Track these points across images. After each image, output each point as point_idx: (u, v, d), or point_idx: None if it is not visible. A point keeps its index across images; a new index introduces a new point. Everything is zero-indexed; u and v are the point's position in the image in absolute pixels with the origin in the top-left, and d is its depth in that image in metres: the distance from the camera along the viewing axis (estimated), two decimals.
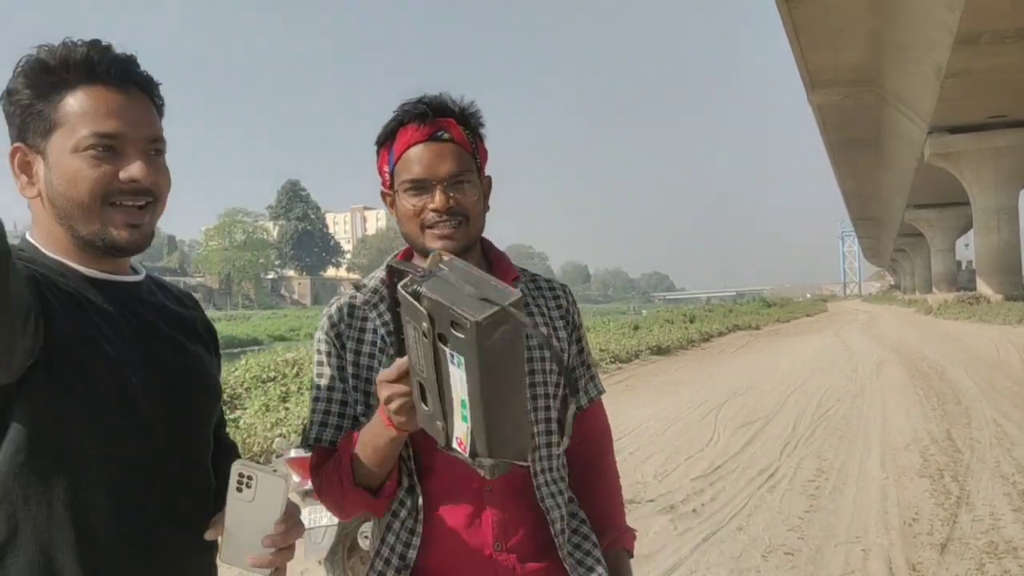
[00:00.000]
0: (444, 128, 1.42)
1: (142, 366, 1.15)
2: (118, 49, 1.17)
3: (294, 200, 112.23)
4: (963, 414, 9.05)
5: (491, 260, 1.57)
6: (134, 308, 1.20)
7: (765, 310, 48.27)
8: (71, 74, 1.12)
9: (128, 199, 1.13)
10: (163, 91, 1.23)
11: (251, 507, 1.15)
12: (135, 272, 1.25)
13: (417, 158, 1.41)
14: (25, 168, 1.15)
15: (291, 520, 1.17)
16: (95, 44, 1.14)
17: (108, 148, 1.12)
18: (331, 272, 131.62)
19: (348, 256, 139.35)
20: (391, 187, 1.47)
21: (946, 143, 33.71)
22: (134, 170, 1.13)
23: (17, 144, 1.14)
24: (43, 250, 1.15)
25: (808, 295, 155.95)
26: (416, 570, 1.43)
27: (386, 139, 1.46)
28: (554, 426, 1.52)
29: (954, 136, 33.47)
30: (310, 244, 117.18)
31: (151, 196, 1.16)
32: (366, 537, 3.46)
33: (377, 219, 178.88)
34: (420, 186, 1.41)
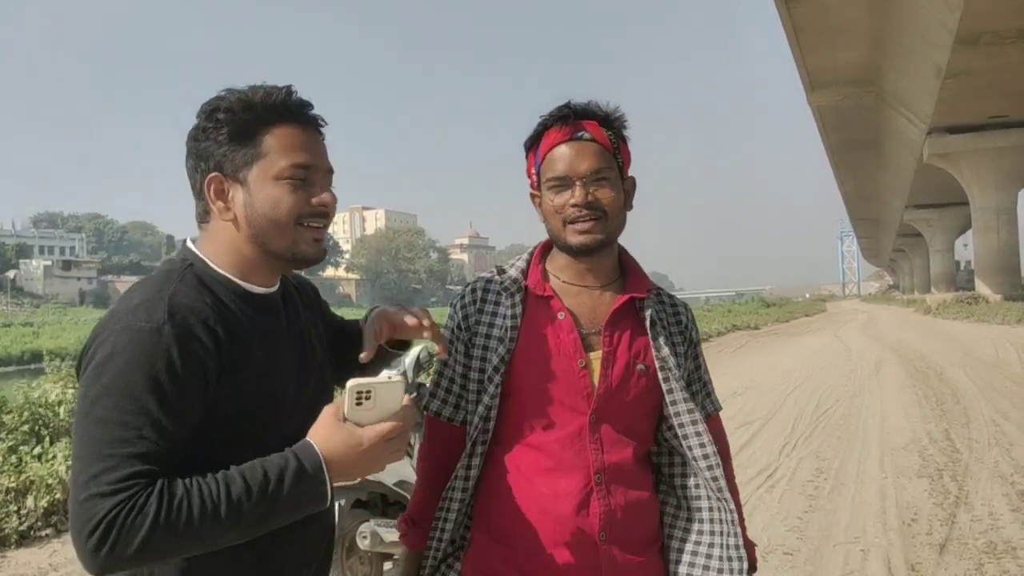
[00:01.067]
0: (584, 128, 1.51)
1: (287, 370, 1.35)
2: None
3: None
4: (962, 414, 9.05)
5: (625, 268, 1.63)
6: (279, 318, 1.40)
7: (764, 310, 48.31)
8: (270, 114, 1.29)
9: (316, 221, 1.33)
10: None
11: (371, 414, 1.22)
12: (277, 283, 1.42)
13: (560, 156, 1.51)
14: (220, 195, 1.30)
15: (409, 418, 1.26)
16: (287, 90, 1.31)
17: (301, 178, 1.30)
18: (329, 271, 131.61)
19: (347, 255, 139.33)
20: (538, 188, 1.57)
21: (945, 143, 33.74)
22: (325, 197, 1.33)
23: (214, 174, 1.30)
24: (212, 265, 1.31)
25: (807, 295, 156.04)
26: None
27: (532, 143, 1.57)
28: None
29: (953, 136, 33.49)
30: None
31: (328, 219, 1.36)
32: (365, 537, 3.46)
33: (376, 219, 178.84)
34: (562, 183, 1.50)
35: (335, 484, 1.22)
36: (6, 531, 5.20)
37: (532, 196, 1.60)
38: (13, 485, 5.49)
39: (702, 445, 1.55)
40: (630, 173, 1.59)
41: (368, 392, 1.21)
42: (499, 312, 1.56)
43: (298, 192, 1.29)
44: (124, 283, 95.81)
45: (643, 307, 1.57)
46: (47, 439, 6.96)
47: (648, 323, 1.55)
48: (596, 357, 1.52)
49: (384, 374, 1.29)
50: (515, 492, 1.52)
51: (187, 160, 1.32)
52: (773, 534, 4.89)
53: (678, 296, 1.72)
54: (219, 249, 1.32)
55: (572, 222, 1.50)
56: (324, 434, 1.22)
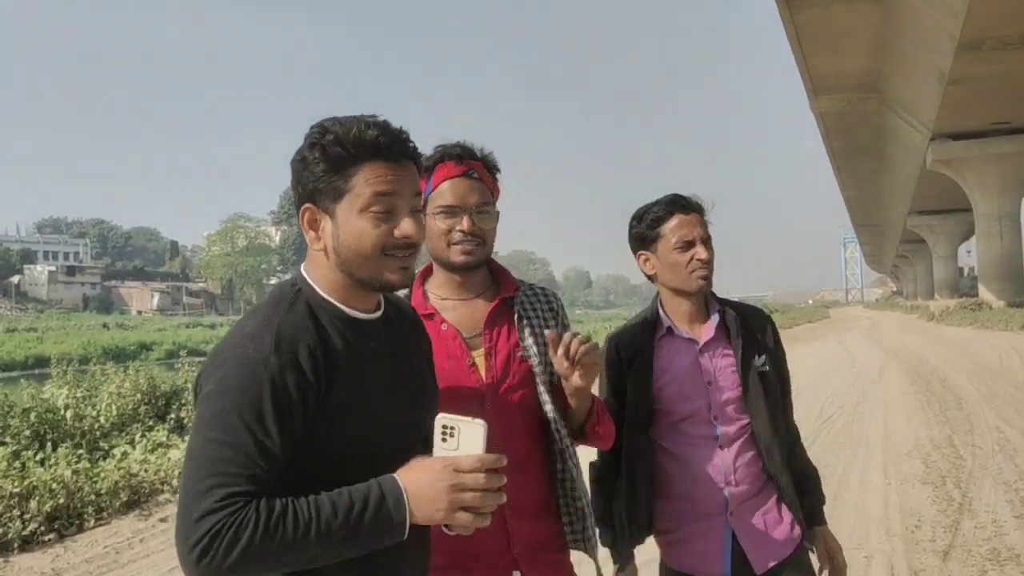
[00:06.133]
0: (474, 168, 1.82)
1: (392, 394, 1.42)
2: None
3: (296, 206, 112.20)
4: (965, 420, 9.03)
5: (496, 275, 1.93)
6: (382, 343, 1.46)
7: None
8: (361, 152, 1.36)
9: (400, 251, 1.40)
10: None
11: (456, 455, 1.28)
12: (379, 307, 1.50)
13: (452, 189, 1.80)
14: (313, 225, 1.40)
15: (493, 464, 1.30)
16: (381, 127, 1.38)
17: (386, 209, 1.37)
18: None
19: None
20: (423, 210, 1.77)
21: (948, 149, 33.68)
22: (406, 228, 1.39)
23: (307, 205, 1.39)
24: (318, 290, 1.41)
25: (810, 301, 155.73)
26: None
27: (425, 171, 1.75)
28: None
29: (956, 142, 33.43)
30: None
31: (415, 248, 1.43)
32: None
33: None
34: (451, 211, 1.79)
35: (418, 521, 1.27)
36: (9, 536, 5.21)
37: None
38: (17, 489, 5.51)
39: (551, 410, 1.84)
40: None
41: (452, 429, 1.29)
42: None
43: (382, 226, 1.37)
44: (128, 289, 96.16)
45: (513, 304, 1.89)
46: (50, 444, 6.99)
47: (516, 317, 1.87)
48: (480, 355, 1.81)
49: (469, 417, 1.34)
50: None
51: (291, 182, 1.43)
52: None
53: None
54: (320, 274, 1.43)
55: (457, 243, 1.79)
56: (409, 467, 1.31)
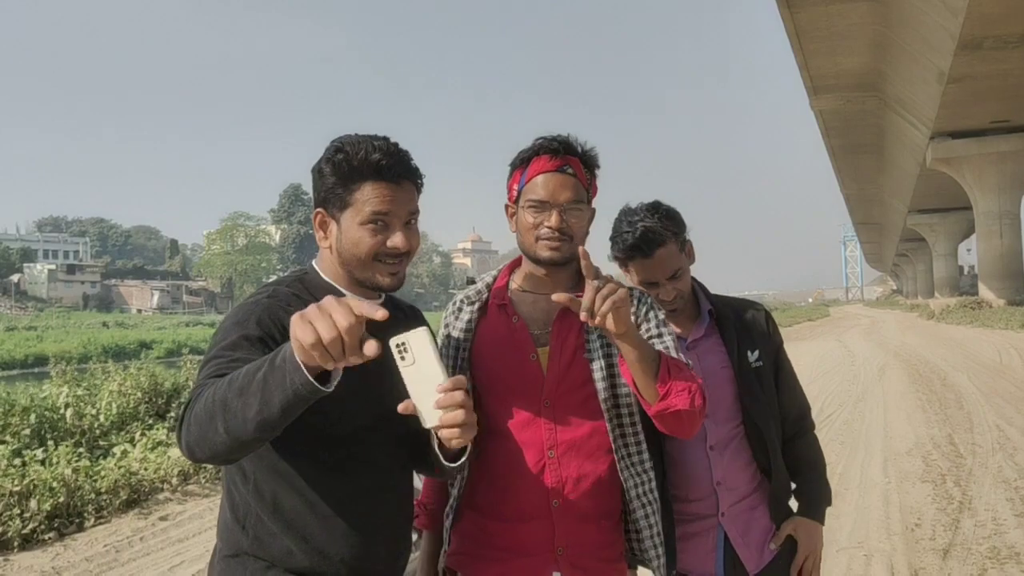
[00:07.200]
0: (570, 164, 1.79)
1: (362, 374, 1.47)
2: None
3: (296, 204, 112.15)
4: (965, 419, 9.04)
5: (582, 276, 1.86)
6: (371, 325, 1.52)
7: None
8: (365, 171, 1.56)
9: (391, 259, 1.61)
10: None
11: (417, 369, 1.35)
12: (379, 298, 1.70)
13: (544, 183, 1.78)
14: (323, 226, 1.64)
15: (455, 380, 1.38)
16: (385, 150, 1.58)
17: (381, 224, 1.58)
18: None
19: None
20: (515, 202, 1.84)
21: (948, 148, 33.69)
22: (397, 240, 1.60)
23: (319, 209, 1.64)
24: (323, 275, 1.67)
25: (810, 300, 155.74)
26: None
27: (521, 163, 1.82)
28: None
29: (956, 141, 33.45)
30: (312, 248, 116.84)
31: (406, 255, 1.63)
32: None
33: None
34: (541, 206, 1.78)
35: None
36: (9, 534, 5.21)
37: (507, 207, 1.87)
38: (17, 488, 5.50)
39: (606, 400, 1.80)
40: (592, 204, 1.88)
41: (403, 344, 1.34)
42: (461, 319, 1.89)
43: (377, 236, 1.58)
44: (128, 287, 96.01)
45: None
46: (51, 442, 6.98)
47: None
48: (545, 352, 1.81)
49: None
50: (487, 470, 1.80)
51: (312, 187, 1.66)
52: None
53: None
54: (326, 266, 1.68)
55: (544, 239, 1.78)
56: None
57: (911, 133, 34.96)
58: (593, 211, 1.86)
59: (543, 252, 1.79)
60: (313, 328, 1.19)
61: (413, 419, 1.48)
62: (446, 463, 1.60)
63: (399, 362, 1.35)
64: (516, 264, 1.94)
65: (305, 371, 1.22)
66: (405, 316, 1.80)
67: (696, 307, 2.20)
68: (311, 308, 1.22)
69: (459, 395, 1.35)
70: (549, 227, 1.76)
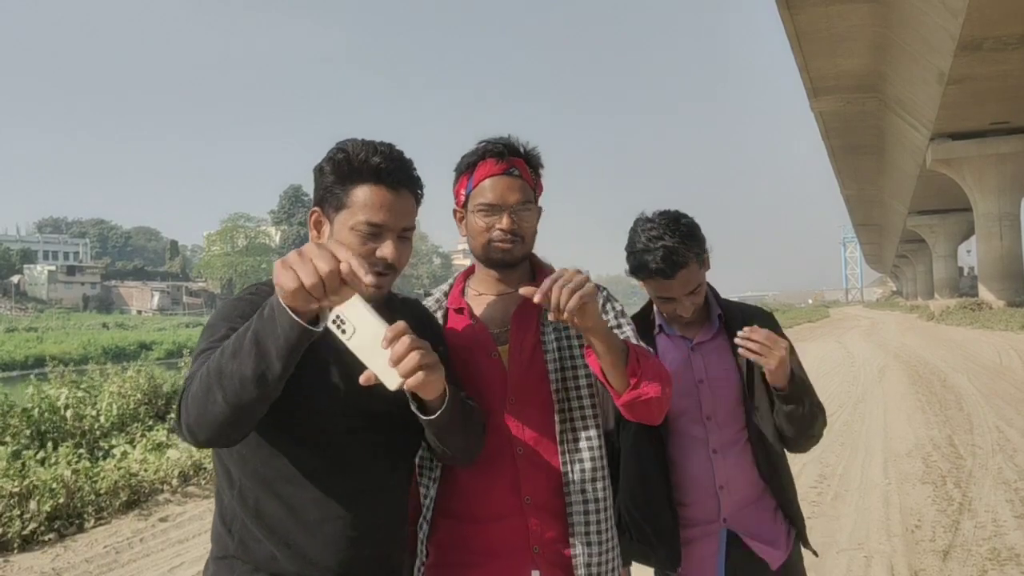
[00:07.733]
0: (516, 166, 1.81)
1: (346, 374, 1.48)
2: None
3: (296, 205, 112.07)
4: (965, 420, 9.03)
5: (536, 272, 1.91)
6: None
7: None
8: (364, 173, 1.54)
9: (377, 269, 1.55)
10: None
11: (360, 336, 1.31)
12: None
13: (492, 187, 1.79)
14: (317, 226, 1.61)
15: (394, 328, 1.33)
16: (386, 155, 1.55)
17: (374, 232, 1.54)
18: None
19: None
20: (464, 206, 1.85)
21: (948, 149, 33.70)
22: (386, 251, 1.55)
23: (316, 208, 1.61)
24: None
25: (810, 301, 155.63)
26: None
27: (467, 168, 1.83)
28: None
29: (956, 142, 33.46)
30: None
31: (392, 269, 1.58)
32: None
33: None
34: (491, 209, 1.79)
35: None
36: (9, 535, 5.21)
37: (455, 212, 1.88)
38: (17, 489, 5.50)
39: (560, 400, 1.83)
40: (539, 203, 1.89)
41: (339, 316, 1.30)
42: None
43: (367, 244, 1.54)
44: (128, 288, 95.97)
45: None
46: (51, 443, 6.98)
47: (544, 312, 1.80)
48: (505, 350, 1.82)
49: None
50: (458, 474, 1.79)
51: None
52: None
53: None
54: None
55: (496, 241, 1.80)
56: None
57: (911, 134, 34.96)
58: (540, 210, 1.89)
59: (496, 254, 1.82)
60: (295, 273, 1.23)
61: (399, 415, 1.48)
62: (428, 417, 1.49)
63: (341, 337, 1.31)
64: (469, 272, 1.96)
65: (293, 314, 1.25)
66: (410, 319, 1.77)
67: (707, 311, 2.19)
68: (292, 254, 1.25)
69: (405, 340, 1.32)
70: (501, 229, 1.79)
